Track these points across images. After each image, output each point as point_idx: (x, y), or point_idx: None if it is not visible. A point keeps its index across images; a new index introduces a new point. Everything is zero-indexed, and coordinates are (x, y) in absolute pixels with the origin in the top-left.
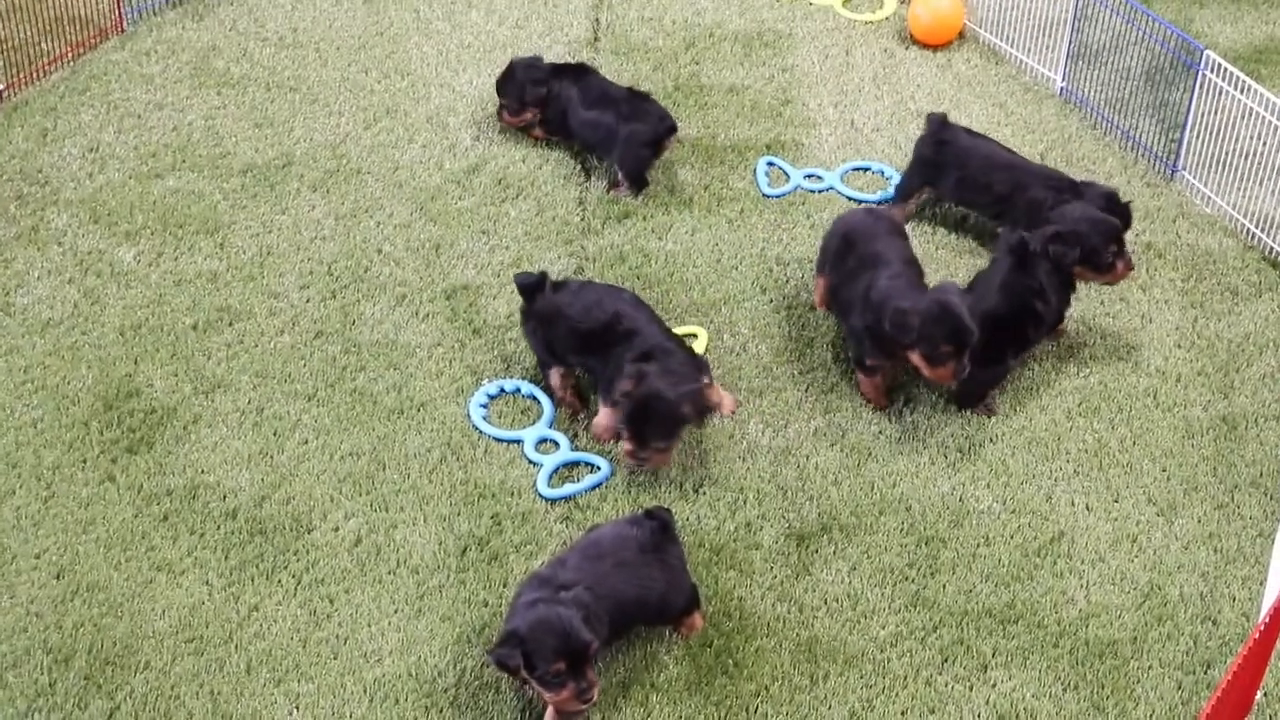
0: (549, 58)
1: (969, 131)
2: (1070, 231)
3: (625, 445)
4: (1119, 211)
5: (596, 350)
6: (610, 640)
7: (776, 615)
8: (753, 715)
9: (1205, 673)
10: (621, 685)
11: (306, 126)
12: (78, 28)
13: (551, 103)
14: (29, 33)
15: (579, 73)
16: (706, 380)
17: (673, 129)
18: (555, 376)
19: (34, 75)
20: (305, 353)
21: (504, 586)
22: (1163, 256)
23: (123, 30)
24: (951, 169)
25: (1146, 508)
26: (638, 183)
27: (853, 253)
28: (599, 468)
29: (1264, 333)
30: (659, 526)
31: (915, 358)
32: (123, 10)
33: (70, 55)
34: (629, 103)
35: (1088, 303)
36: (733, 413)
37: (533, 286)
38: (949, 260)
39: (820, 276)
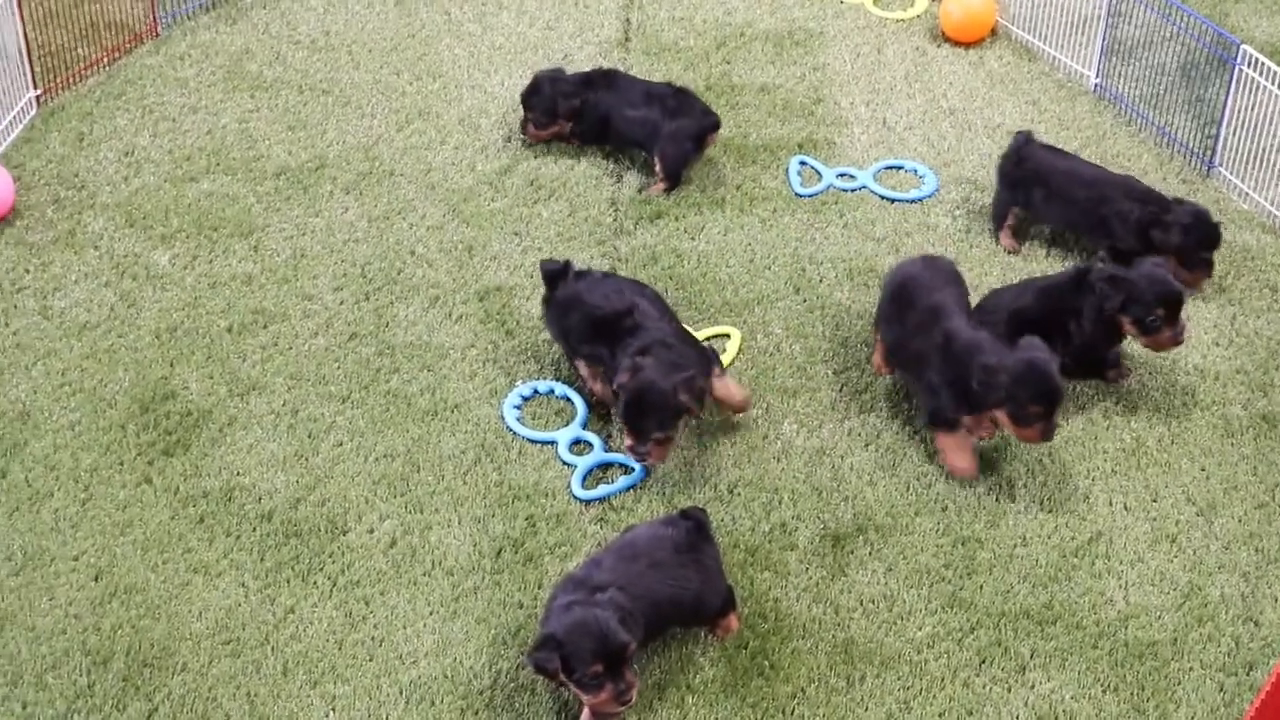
0: (580, 58)
1: (1050, 148)
2: (1124, 279)
3: (625, 440)
4: (1206, 231)
5: (606, 340)
6: (646, 641)
7: (812, 616)
8: (789, 717)
9: (1247, 674)
10: (657, 687)
11: (339, 129)
12: (113, 33)
13: (587, 113)
14: (65, 38)
15: (609, 78)
16: (717, 371)
17: (716, 124)
18: (583, 366)
19: (70, 80)
20: (339, 355)
21: (539, 588)
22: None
23: (157, 35)
24: (1035, 187)
25: (1186, 507)
26: (675, 179)
27: (915, 306)
28: (633, 469)
29: None
30: (694, 526)
31: (1002, 416)
32: (157, 15)
33: (106, 60)
34: (674, 98)
35: None
36: (744, 408)
37: (556, 274)
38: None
39: (879, 336)
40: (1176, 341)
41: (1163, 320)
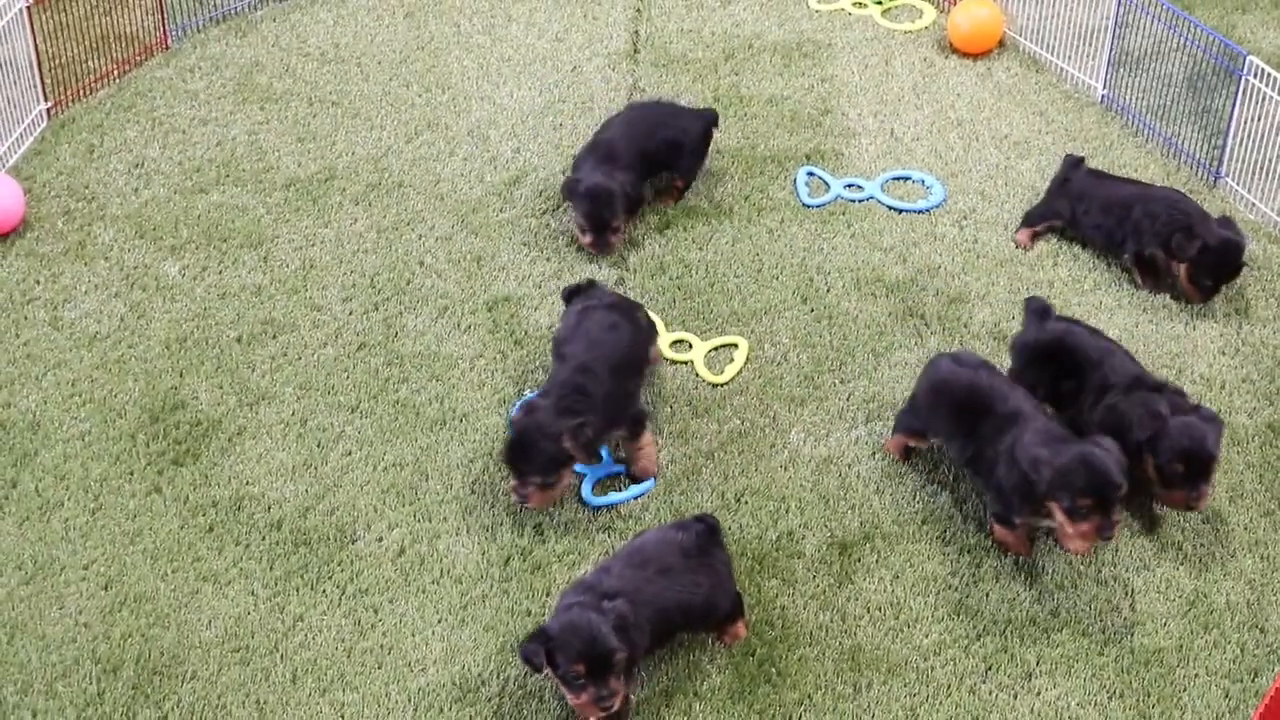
0: (589, 70)
1: (1095, 173)
2: (1160, 417)
3: (510, 480)
4: (1227, 260)
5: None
6: (654, 647)
7: (819, 624)
8: None
9: (1253, 681)
10: (665, 693)
11: (348, 140)
12: (123, 45)
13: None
14: (76, 51)
15: (610, 148)
16: (637, 433)
17: (715, 118)
18: None
19: (80, 92)
20: (348, 365)
21: (547, 596)
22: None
23: (167, 47)
24: (1074, 206)
25: (1191, 515)
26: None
27: (991, 413)
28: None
29: None
30: (705, 531)
31: (1058, 513)
32: (167, 28)
33: (116, 72)
34: (674, 114)
35: (1130, 310)
36: (643, 476)
37: (572, 291)
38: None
39: (906, 430)
40: (1190, 506)
41: (1182, 478)
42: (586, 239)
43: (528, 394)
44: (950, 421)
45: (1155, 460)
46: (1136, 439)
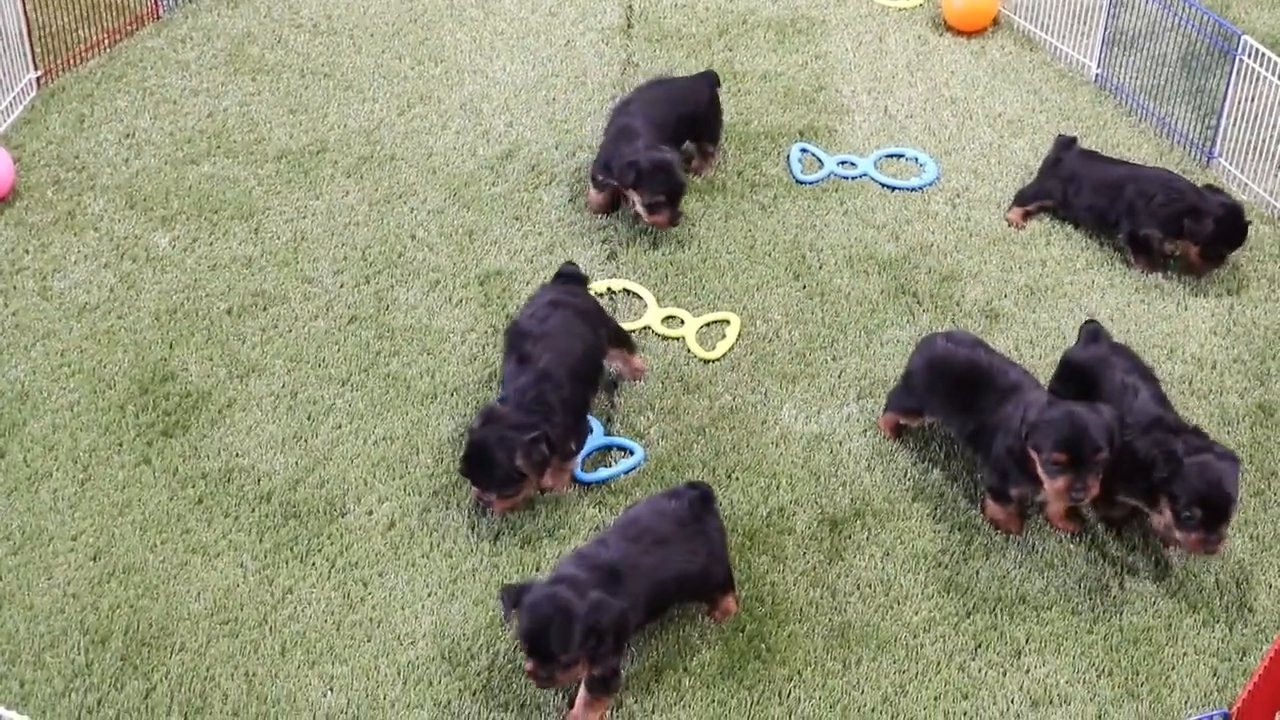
0: (583, 45)
1: (1087, 154)
2: (1177, 457)
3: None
4: (1236, 217)
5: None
6: (650, 619)
7: (809, 600)
8: (785, 700)
9: (1240, 659)
10: (654, 669)
11: (340, 113)
12: (114, 15)
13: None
14: (66, 20)
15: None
16: (557, 454)
17: (716, 78)
18: None
19: (71, 62)
20: (339, 337)
21: (537, 570)
22: None
23: (159, 17)
24: (1066, 187)
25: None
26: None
27: (991, 388)
28: (633, 452)
29: None
30: (699, 498)
31: (1043, 478)
32: None
33: (107, 42)
34: (678, 85)
35: (1121, 290)
36: (553, 490)
37: (558, 275)
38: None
39: (899, 408)
40: (1206, 548)
41: (1197, 521)
42: (660, 216)
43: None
44: (950, 399)
45: (1172, 504)
46: (1155, 478)
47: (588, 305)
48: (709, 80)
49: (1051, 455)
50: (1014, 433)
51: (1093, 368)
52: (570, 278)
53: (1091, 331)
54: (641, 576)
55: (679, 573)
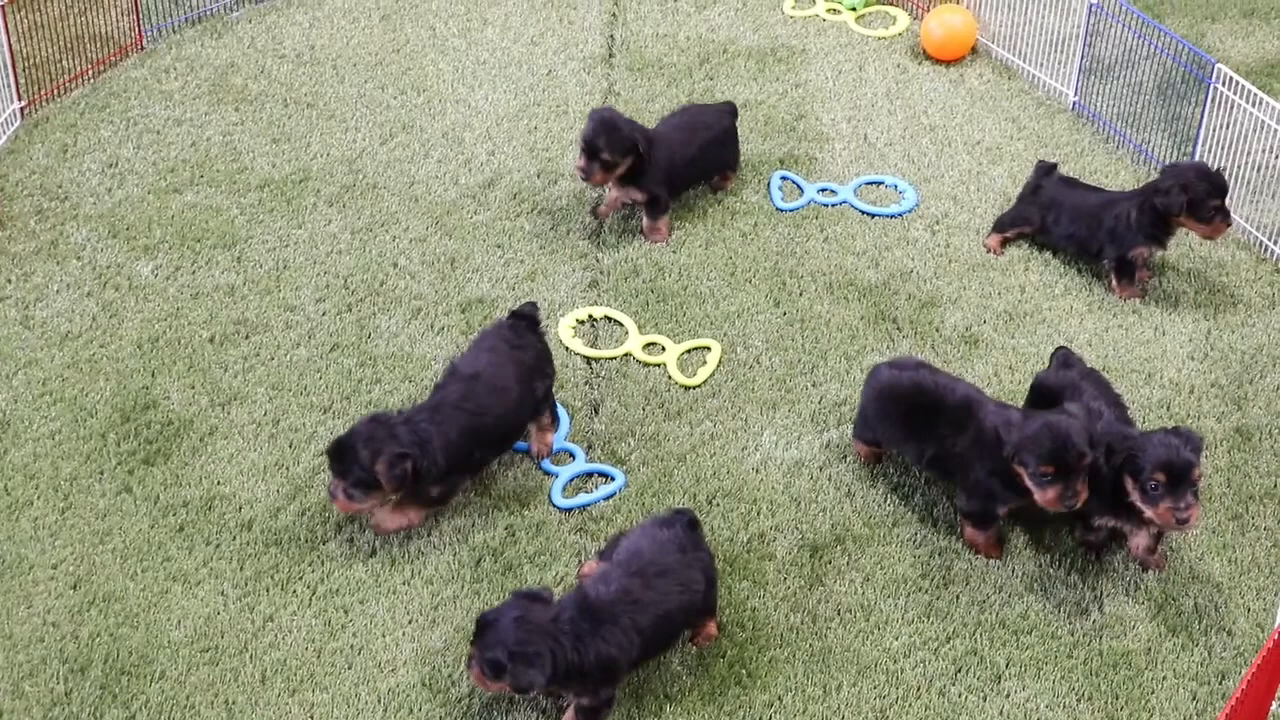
0: (565, 74)
1: (1066, 180)
2: (1124, 439)
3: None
4: (1208, 181)
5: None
6: (656, 652)
7: (790, 626)
8: None
9: (1220, 683)
10: (635, 695)
11: (323, 142)
12: (98, 45)
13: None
14: (50, 50)
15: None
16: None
17: (735, 110)
18: None
19: (55, 92)
20: (321, 365)
21: None
22: (1176, 269)
23: (142, 48)
24: (1044, 214)
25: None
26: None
27: (943, 409)
28: (613, 478)
29: (1277, 344)
30: (688, 524)
31: (1031, 486)
32: (143, 28)
33: (91, 72)
34: (700, 112)
35: (1100, 314)
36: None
37: (514, 314)
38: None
39: (863, 441)
40: (1178, 518)
41: (1162, 489)
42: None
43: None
44: (902, 427)
45: (1136, 480)
46: (1113, 465)
47: (527, 359)
48: (729, 110)
49: (1039, 469)
50: (993, 454)
51: (1063, 393)
52: (525, 318)
53: (1063, 357)
54: (642, 612)
55: (684, 604)
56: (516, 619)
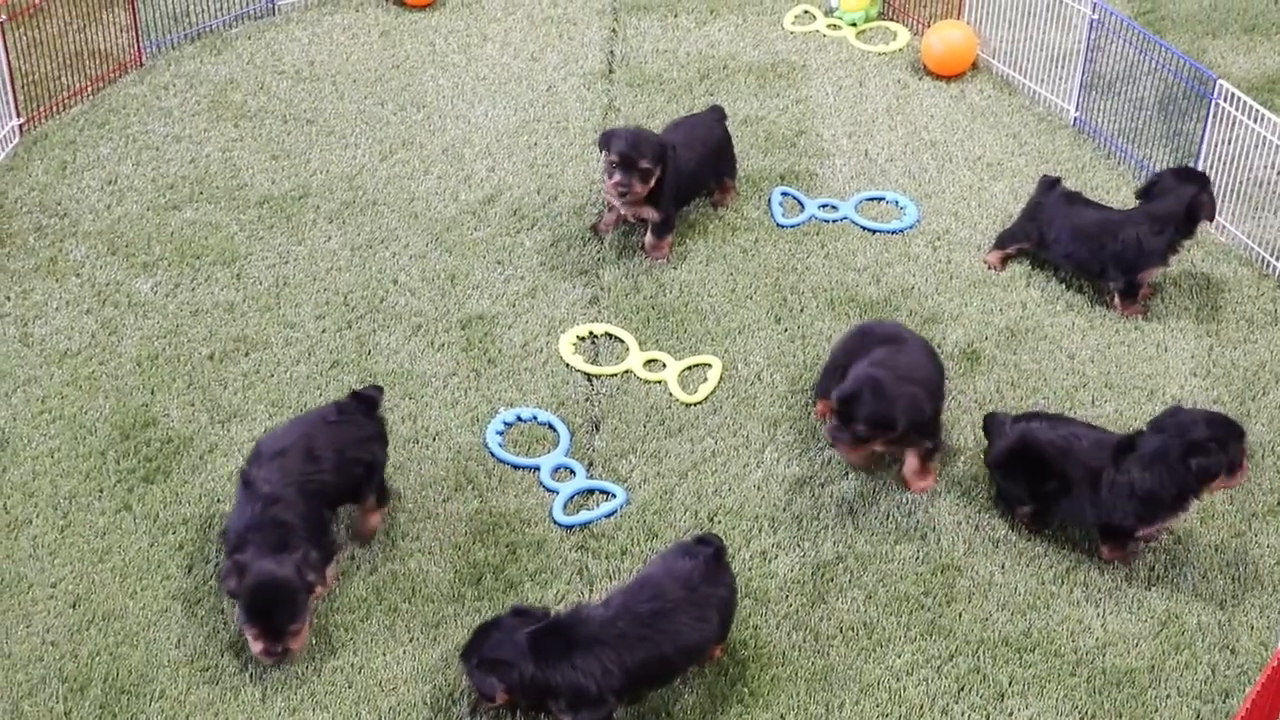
0: (564, 90)
1: (1069, 196)
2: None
3: (255, 644)
4: (1181, 174)
5: None
6: (653, 685)
7: (792, 644)
8: None
9: (1224, 701)
10: (637, 714)
11: (323, 158)
12: (97, 62)
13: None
14: (49, 67)
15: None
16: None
17: (723, 112)
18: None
19: (54, 109)
20: (321, 382)
21: None
22: (1178, 285)
23: (141, 64)
24: (1043, 231)
25: (1163, 536)
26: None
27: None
28: (614, 495)
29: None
30: (713, 555)
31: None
32: (142, 45)
33: (90, 89)
34: (694, 126)
35: (1102, 331)
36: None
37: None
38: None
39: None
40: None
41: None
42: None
43: (502, 410)
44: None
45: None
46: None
47: (349, 435)
48: (718, 115)
49: (855, 428)
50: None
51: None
52: (365, 400)
53: (1001, 421)
54: (628, 650)
55: (698, 643)
56: (492, 628)
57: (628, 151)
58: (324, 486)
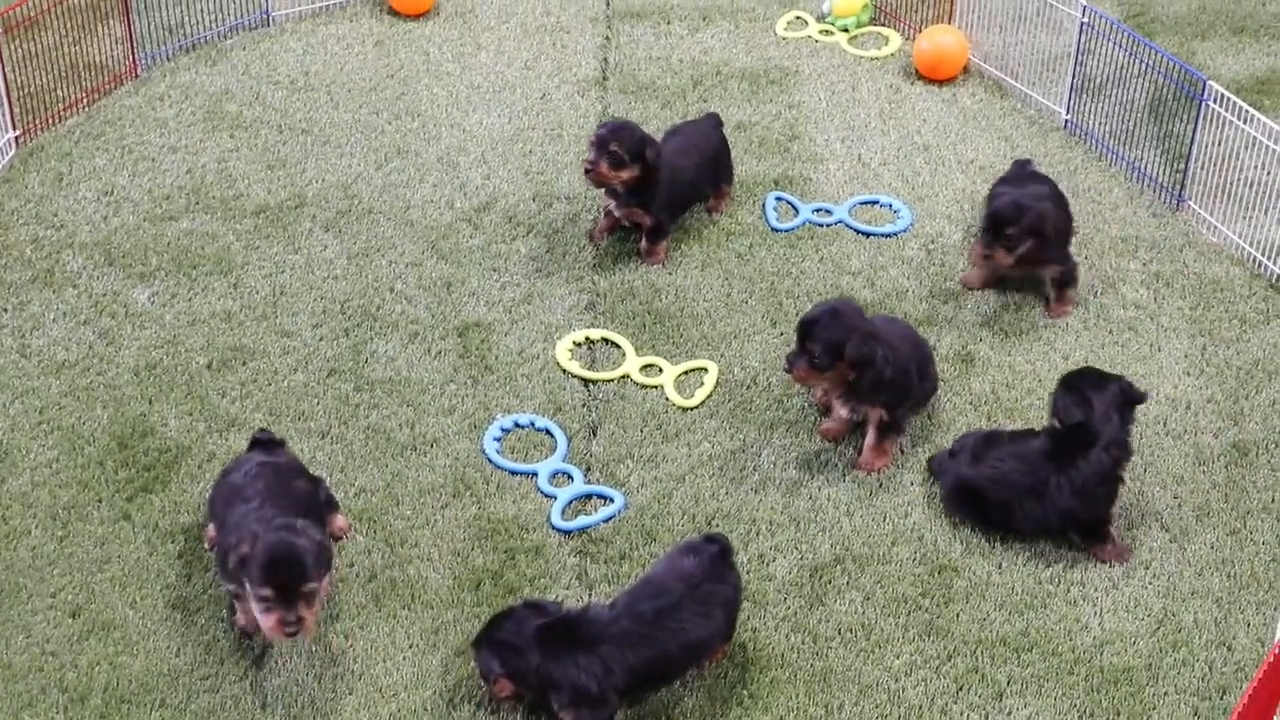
0: (558, 98)
1: (1036, 176)
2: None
3: (268, 618)
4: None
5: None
6: (659, 684)
7: (791, 646)
8: None
9: (1221, 698)
10: (637, 717)
11: (318, 167)
12: (92, 74)
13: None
14: (45, 79)
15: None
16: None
17: (719, 119)
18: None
19: (49, 121)
20: (318, 391)
21: None
22: (1170, 285)
23: (137, 76)
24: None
25: (1159, 534)
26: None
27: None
28: (612, 500)
29: (1273, 359)
30: (718, 553)
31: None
32: (137, 56)
33: (85, 101)
34: (692, 133)
35: (1096, 331)
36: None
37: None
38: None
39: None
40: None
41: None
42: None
43: (499, 417)
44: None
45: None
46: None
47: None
48: (715, 121)
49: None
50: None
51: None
52: (266, 444)
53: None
54: (632, 648)
55: (685, 643)
56: (505, 618)
57: (605, 135)
58: None
